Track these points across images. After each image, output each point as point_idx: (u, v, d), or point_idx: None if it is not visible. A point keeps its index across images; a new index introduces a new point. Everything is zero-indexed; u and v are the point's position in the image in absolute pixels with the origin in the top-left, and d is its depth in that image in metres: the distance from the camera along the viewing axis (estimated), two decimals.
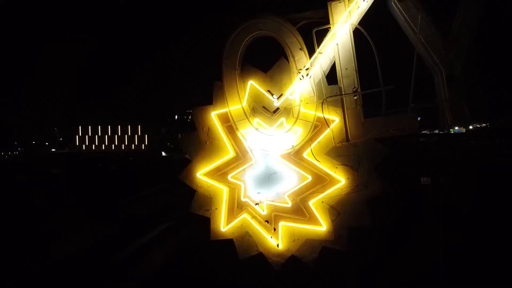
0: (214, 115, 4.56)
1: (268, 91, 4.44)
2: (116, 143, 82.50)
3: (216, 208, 4.61)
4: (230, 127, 4.52)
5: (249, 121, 4.43)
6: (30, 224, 9.05)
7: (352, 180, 4.27)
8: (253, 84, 4.45)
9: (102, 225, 8.68)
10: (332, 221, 4.33)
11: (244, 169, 4.51)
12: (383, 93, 4.16)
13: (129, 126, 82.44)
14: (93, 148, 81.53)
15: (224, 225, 4.55)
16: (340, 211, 4.32)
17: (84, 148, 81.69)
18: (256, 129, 4.42)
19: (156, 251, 6.82)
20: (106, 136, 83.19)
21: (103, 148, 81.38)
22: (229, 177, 4.53)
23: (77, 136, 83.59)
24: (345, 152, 4.30)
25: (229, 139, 4.53)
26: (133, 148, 79.78)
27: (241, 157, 4.51)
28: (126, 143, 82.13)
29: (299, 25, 4.48)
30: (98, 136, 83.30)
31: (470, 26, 4.12)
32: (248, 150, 4.48)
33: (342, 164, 4.29)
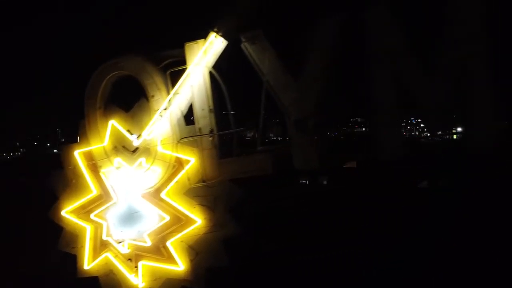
0: (78, 154, 4.58)
1: (128, 130, 4.45)
2: None
3: (82, 246, 4.64)
4: (94, 166, 4.54)
5: (109, 160, 4.45)
6: (30, 225, 9.06)
7: (208, 220, 4.26)
8: (113, 124, 4.47)
9: None
10: (191, 260, 4.33)
11: (107, 208, 4.52)
12: (234, 135, 4.20)
13: None
14: None
15: (88, 263, 4.58)
16: (198, 251, 4.32)
17: None
18: (117, 168, 4.44)
19: None
20: None
21: None
22: (92, 215, 4.55)
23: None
24: (202, 192, 4.30)
25: (92, 177, 4.55)
26: None
27: (103, 195, 4.53)
28: None
29: (163, 64, 4.49)
30: None
31: (322, 68, 4.08)
32: (110, 189, 4.50)
33: (199, 204, 4.30)
